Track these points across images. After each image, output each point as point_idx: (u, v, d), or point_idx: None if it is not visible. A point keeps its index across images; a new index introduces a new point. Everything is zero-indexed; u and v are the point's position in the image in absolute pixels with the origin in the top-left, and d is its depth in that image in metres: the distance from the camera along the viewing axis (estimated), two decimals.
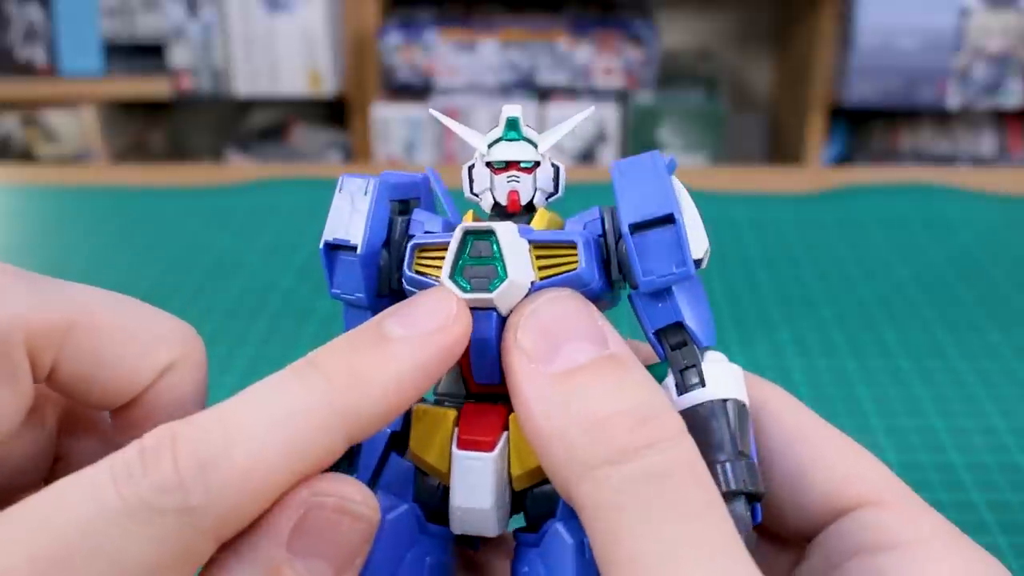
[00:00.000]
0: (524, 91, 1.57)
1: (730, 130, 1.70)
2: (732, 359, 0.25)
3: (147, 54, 1.66)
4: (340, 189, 0.25)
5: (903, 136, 1.66)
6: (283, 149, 1.74)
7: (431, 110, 0.27)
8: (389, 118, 1.55)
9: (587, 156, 1.54)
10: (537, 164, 0.25)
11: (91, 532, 0.18)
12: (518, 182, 0.24)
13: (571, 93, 1.57)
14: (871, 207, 0.70)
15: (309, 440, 0.20)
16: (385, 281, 0.25)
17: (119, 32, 1.66)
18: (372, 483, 0.25)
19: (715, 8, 1.84)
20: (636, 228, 0.23)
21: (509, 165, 0.24)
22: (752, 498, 0.23)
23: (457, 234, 0.23)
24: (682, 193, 0.24)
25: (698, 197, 0.25)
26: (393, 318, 0.22)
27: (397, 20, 1.60)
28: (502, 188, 0.24)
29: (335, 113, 1.78)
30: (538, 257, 0.23)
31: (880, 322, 0.55)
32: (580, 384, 0.21)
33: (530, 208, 0.25)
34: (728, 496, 0.22)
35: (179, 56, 1.62)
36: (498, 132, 0.25)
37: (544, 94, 1.57)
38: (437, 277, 0.23)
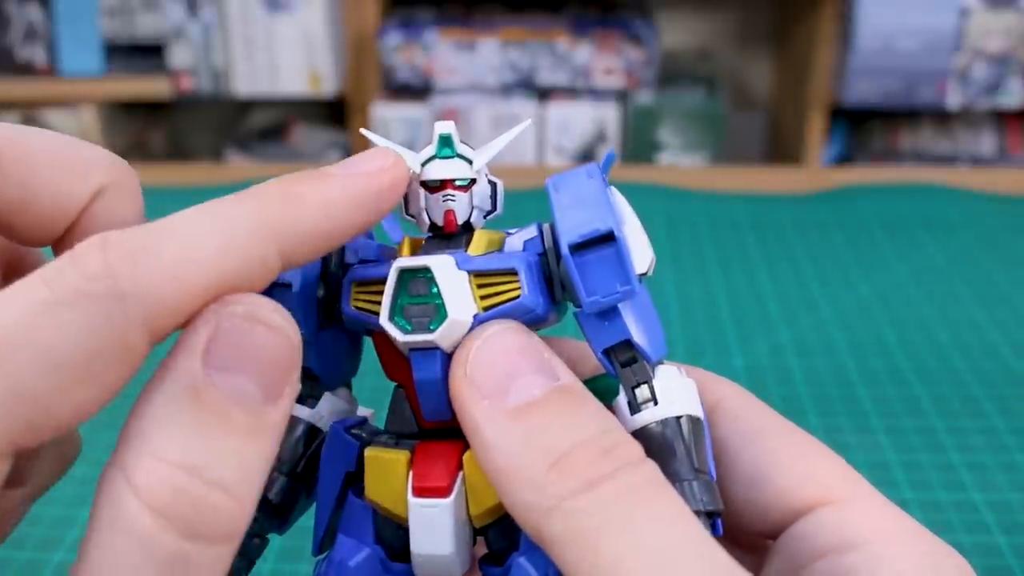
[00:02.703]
0: (524, 91, 1.57)
1: (730, 130, 1.70)
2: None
3: (147, 54, 1.66)
4: None
5: (903, 136, 1.66)
6: (283, 149, 1.74)
7: (362, 130, 0.26)
8: (389, 118, 1.55)
9: (587, 156, 1.54)
10: (473, 182, 0.24)
11: (22, 324, 0.18)
12: (454, 201, 0.23)
13: (571, 93, 1.57)
14: (871, 207, 0.70)
15: (241, 242, 0.20)
16: (325, 314, 0.24)
17: (119, 32, 1.66)
18: (330, 525, 0.24)
19: (715, 8, 1.84)
20: (576, 248, 0.22)
21: (444, 184, 0.23)
22: (711, 515, 0.22)
23: (392, 273, 0.22)
24: (622, 205, 0.23)
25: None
26: (332, 165, 0.22)
27: (397, 20, 1.60)
28: (437, 208, 0.23)
29: (335, 113, 1.78)
30: (479, 286, 0.23)
31: (880, 322, 0.55)
32: (538, 419, 0.21)
33: (468, 227, 0.24)
34: None
35: (179, 56, 1.62)
36: (431, 150, 0.24)
37: (544, 94, 1.57)
38: (376, 313, 0.23)
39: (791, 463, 0.24)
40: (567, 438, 0.20)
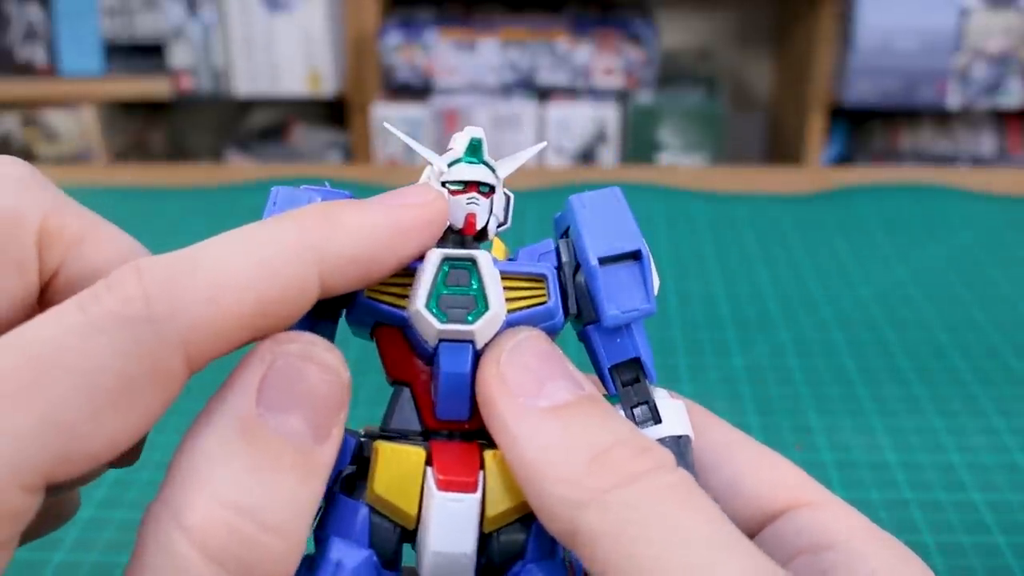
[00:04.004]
0: (524, 91, 1.57)
1: (730, 130, 1.70)
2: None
3: (147, 54, 1.66)
4: (274, 203, 0.24)
5: (903, 136, 1.66)
6: (283, 149, 1.74)
7: (386, 124, 0.26)
8: (389, 118, 1.55)
9: (587, 156, 1.54)
10: (493, 190, 0.24)
11: (58, 345, 0.18)
12: (477, 205, 0.23)
13: (571, 93, 1.57)
14: (871, 207, 0.70)
15: (279, 264, 0.20)
16: (322, 305, 0.24)
17: (119, 32, 1.66)
18: (317, 525, 0.23)
19: (715, 8, 1.84)
20: (602, 262, 0.23)
21: (468, 187, 0.23)
22: None
23: (434, 260, 0.22)
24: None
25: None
26: (374, 197, 0.22)
27: (397, 20, 1.60)
28: (459, 210, 0.23)
29: (335, 113, 1.78)
30: (505, 289, 0.23)
31: (880, 322, 0.55)
32: (574, 417, 0.21)
33: (482, 234, 0.24)
34: None
35: (179, 56, 1.62)
36: (458, 153, 0.24)
37: (544, 94, 1.57)
38: (395, 305, 0.23)
39: (761, 471, 0.25)
40: (605, 437, 0.21)
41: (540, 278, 0.23)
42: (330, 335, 0.24)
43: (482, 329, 0.22)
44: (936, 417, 0.46)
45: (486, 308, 0.22)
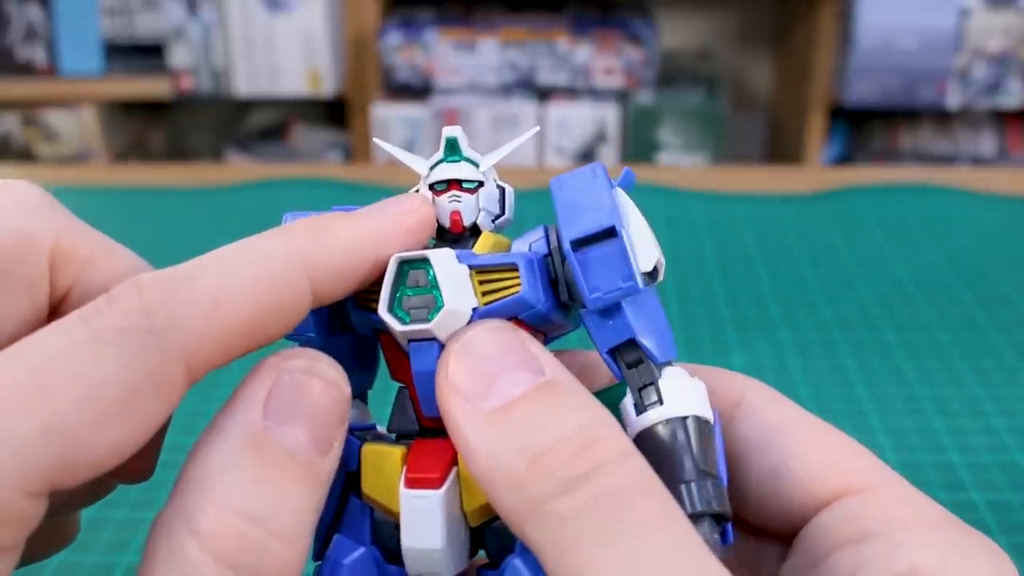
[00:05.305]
0: (524, 91, 1.57)
1: (730, 130, 1.70)
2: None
3: (147, 54, 1.66)
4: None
5: (903, 136, 1.66)
6: (283, 149, 1.74)
7: (375, 140, 0.26)
8: (389, 118, 1.55)
9: (587, 156, 1.55)
10: (481, 184, 0.24)
11: (61, 356, 0.18)
12: (459, 202, 0.24)
13: (571, 93, 1.57)
14: (871, 207, 0.70)
15: (272, 274, 0.20)
16: (336, 319, 0.24)
17: (119, 32, 1.66)
18: (332, 527, 0.24)
19: (715, 8, 1.84)
20: (578, 244, 0.22)
21: (450, 185, 0.24)
22: (720, 519, 0.22)
23: (392, 264, 0.22)
24: (627, 205, 0.23)
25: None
26: (362, 208, 0.23)
27: (397, 20, 1.60)
28: (444, 209, 0.24)
29: (335, 113, 1.78)
30: (481, 282, 0.23)
31: (880, 322, 0.55)
32: (518, 417, 0.20)
33: (476, 231, 0.24)
34: (693, 519, 0.21)
35: (179, 56, 1.62)
36: (439, 154, 0.24)
37: (544, 94, 1.57)
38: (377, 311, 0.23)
39: (813, 454, 0.23)
40: (546, 435, 0.20)
41: (512, 267, 0.23)
42: (343, 346, 0.25)
43: (439, 326, 0.22)
44: (936, 417, 0.46)
45: (443, 305, 0.22)
